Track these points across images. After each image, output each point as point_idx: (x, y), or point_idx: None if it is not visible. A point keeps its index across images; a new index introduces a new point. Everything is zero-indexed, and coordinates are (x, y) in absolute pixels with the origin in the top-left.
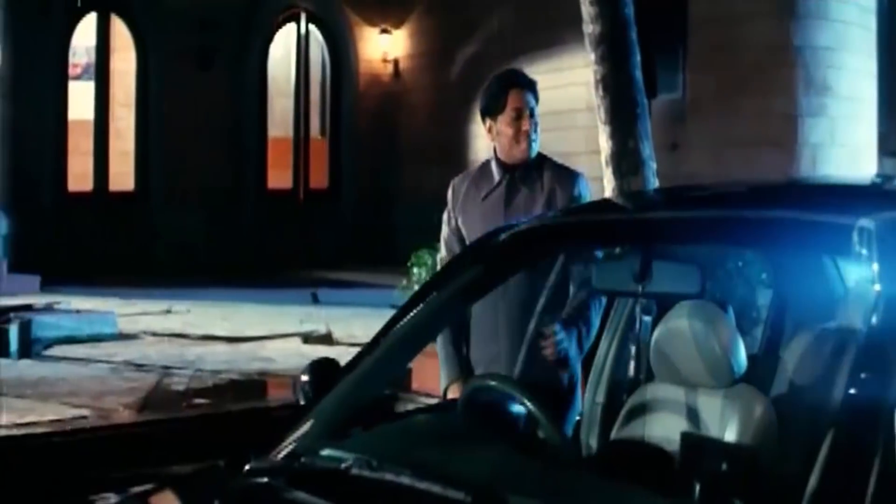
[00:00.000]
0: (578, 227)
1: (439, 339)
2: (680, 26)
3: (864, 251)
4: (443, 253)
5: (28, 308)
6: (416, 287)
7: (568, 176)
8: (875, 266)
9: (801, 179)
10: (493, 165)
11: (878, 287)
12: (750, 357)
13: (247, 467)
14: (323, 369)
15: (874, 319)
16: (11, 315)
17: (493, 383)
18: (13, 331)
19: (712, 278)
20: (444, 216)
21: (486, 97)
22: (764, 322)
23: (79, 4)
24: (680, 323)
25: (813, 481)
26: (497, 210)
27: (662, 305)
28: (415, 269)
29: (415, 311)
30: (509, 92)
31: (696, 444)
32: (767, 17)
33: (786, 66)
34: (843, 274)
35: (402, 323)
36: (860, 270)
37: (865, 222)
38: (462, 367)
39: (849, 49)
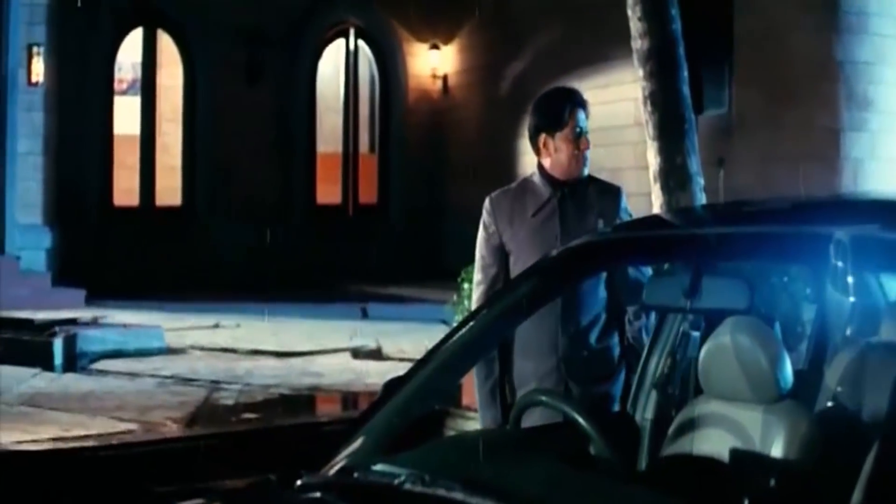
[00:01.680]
0: (630, 244)
1: (476, 377)
2: (725, 42)
3: (840, 263)
4: (478, 276)
5: (73, 322)
6: (466, 302)
7: (612, 190)
8: (850, 279)
9: (847, 195)
10: (540, 181)
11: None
12: (795, 372)
13: (299, 482)
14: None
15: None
16: (56, 329)
17: (544, 398)
18: (58, 344)
19: (759, 293)
20: (482, 234)
21: (546, 113)
22: (808, 337)
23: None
24: (726, 339)
25: (857, 496)
26: (551, 226)
27: (711, 321)
28: (465, 285)
29: (469, 325)
30: (573, 110)
31: (743, 460)
32: (810, 32)
33: (828, 81)
34: (885, 289)
35: (454, 338)
36: None
37: (841, 235)
38: (500, 414)
39: (889, 63)
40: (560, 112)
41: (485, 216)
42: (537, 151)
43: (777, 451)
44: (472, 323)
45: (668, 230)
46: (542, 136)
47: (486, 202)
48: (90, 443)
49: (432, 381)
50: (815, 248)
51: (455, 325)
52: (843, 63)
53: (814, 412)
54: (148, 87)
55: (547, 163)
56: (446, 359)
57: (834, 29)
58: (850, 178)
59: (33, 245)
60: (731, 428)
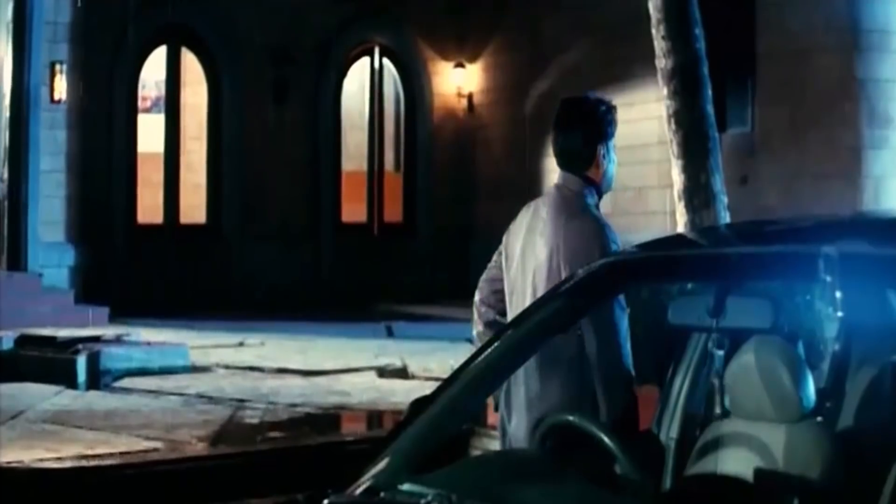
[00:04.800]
0: (654, 263)
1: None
2: (748, 61)
3: (829, 278)
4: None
5: (96, 339)
6: None
7: None
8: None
9: (868, 213)
10: (585, 192)
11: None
12: (818, 391)
13: (326, 502)
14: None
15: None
16: (80, 346)
17: (571, 419)
18: (81, 362)
19: (782, 312)
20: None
21: (605, 123)
22: (831, 355)
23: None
24: (749, 358)
25: None
26: None
27: (736, 340)
28: None
29: (495, 345)
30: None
31: (767, 479)
32: (832, 50)
33: (849, 99)
34: None
35: (481, 357)
36: None
37: (829, 250)
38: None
39: None
40: (614, 122)
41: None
42: (593, 164)
43: (800, 470)
44: (498, 342)
45: (692, 249)
46: (601, 148)
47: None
48: (114, 461)
49: (459, 400)
50: (832, 267)
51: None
52: (865, 81)
53: (836, 431)
54: (172, 105)
55: (597, 175)
56: (473, 378)
57: (855, 47)
58: (872, 196)
59: (56, 262)
60: (754, 447)
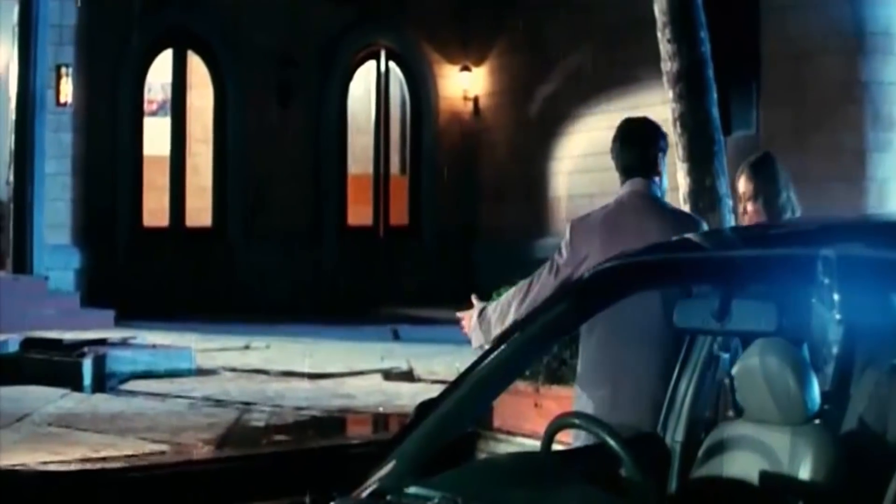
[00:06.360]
0: (660, 266)
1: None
2: (753, 63)
3: (827, 280)
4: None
5: (102, 342)
6: None
7: None
8: (836, 296)
9: (873, 216)
10: (659, 194)
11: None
12: (822, 394)
13: None
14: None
15: None
16: (85, 349)
17: (576, 421)
18: (87, 365)
19: (788, 315)
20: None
21: (665, 138)
22: (835, 358)
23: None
24: (754, 361)
25: None
26: None
27: (744, 343)
28: None
29: (501, 348)
30: None
31: (772, 482)
32: (836, 53)
33: (854, 102)
34: None
35: (486, 361)
36: None
37: (828, 252)
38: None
39: None
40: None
41: (582, 234)
42: (657, 173)
43: (804, 472)
44: (504, 346)
45: (697, 252)
46: (662, 158)
47: (587, 222)
48: (120, 464)
49: (465, 403)
50: (836, 269)
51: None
52: (869, 84)
53: (840, 433)
54: (178, 108)
55: (659, 181)
56: (479, 381)
57: (860, 50)
58: (876, 199)
59: (62, 265)
60: (759, 450)
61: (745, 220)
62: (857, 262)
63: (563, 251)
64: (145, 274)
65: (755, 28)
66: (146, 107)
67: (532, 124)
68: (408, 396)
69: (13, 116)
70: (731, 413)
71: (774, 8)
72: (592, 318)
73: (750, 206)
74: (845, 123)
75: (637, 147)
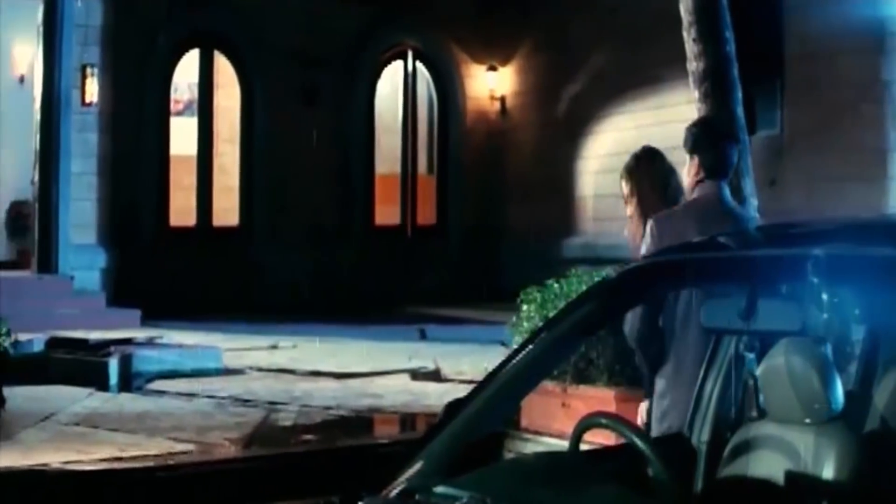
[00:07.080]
0: (688, 266)
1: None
2: (776, 63)
3: (816, 280)
4: None
5: (128, 342)
6: (525, 323)
7: None
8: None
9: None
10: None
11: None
12: (846, 393)
13: None
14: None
15: None
16: (111, 348)
17: (604, 421)
18: (113, 364)
19: (811, 314)
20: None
21: None
22: (858, 358)
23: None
24: (779, 360)
25: None
26: None
27: (767, 343)
28: (524, 307)
29: (528, 348)
30: None
31: (796, 481)
32: (857, 53)
33: (875, 102)
34: None
35: (515, 360)
36: None
37: (818, 252)
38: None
39: None
40: None
41: (665, 234)
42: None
43: (828, 472)
44: (532, 345)
45: (723, 252)
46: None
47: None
48: (146, 463)
49: (493, 403)
50: (860, 269)
51: (514, 346)
52: (891, 83)
53: (864, 432)
54: (204, 108)
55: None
56: (507, 381)
57: (881, 50)
58: None
59: (87, 265)
60: (783, 449)
61: (628, 225)
62: (879, 262)
63: (650, 248)
64: (171, 273)
65: (778, 28)
66: (173, 106)
67: (558, 124)
68: (435, 396)
69: (38, 116)
70: (754, 413)
71: (797, 7)
72: (683, 313)
73: (628, 210)
74: (867, 123)
75: (727, 148)
